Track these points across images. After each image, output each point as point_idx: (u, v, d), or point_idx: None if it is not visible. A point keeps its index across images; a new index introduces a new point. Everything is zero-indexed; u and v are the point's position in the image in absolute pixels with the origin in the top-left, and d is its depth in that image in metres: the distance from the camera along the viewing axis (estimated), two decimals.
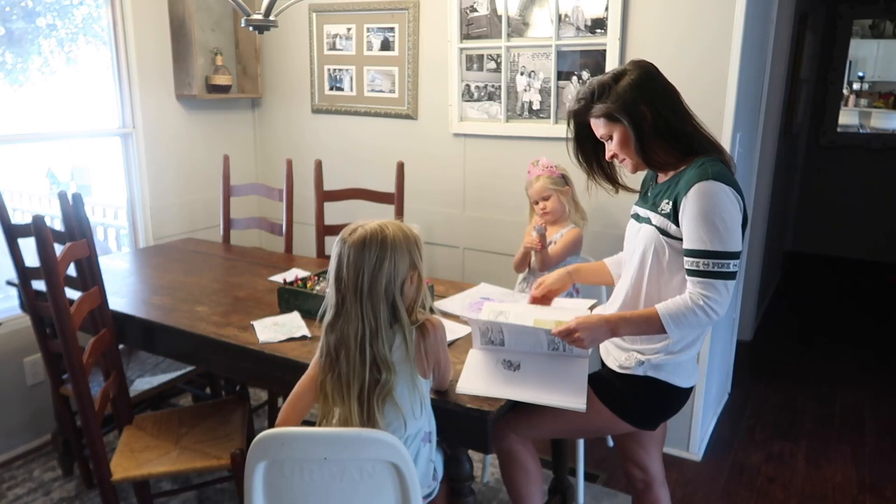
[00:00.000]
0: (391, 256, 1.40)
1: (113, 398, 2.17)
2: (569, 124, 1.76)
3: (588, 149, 1.77)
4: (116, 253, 3.37)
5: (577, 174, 2.06)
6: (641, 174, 1.77)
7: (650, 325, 1.58)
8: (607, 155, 1.70)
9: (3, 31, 2.81)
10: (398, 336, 1.46)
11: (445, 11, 2.97)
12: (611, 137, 1.66)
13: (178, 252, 2.98)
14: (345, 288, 1.42)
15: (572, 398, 1.62)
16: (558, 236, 2.50)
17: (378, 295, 1.41)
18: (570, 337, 1.60)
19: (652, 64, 1.65)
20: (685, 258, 1.55)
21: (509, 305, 1.90)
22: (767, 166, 3.86)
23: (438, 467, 1.69)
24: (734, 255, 1.52)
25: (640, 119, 1.59)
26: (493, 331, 1.76)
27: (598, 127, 1.67)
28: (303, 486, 1.43)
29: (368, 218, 1.49)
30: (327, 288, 1.48)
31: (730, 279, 1.52)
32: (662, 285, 1.64)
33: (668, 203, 1.60)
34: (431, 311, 1.58)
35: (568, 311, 1.81)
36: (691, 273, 1.54)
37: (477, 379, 1.69)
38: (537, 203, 2.52)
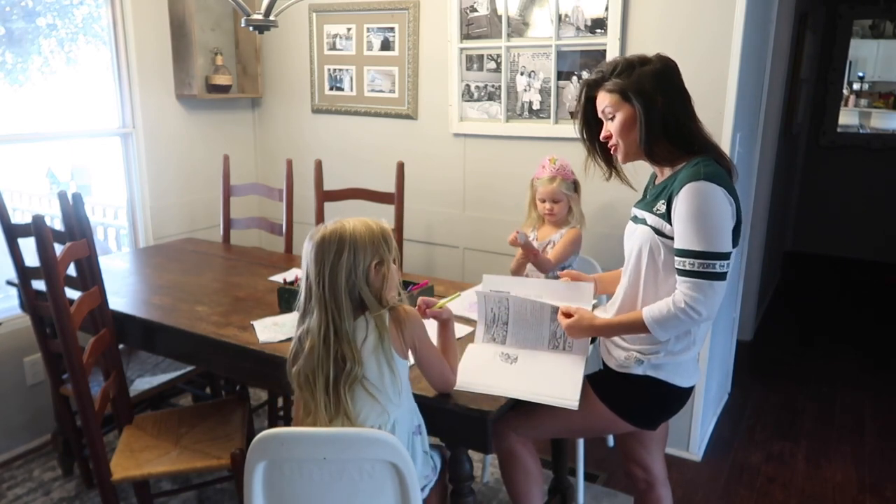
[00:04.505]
0: (349, 249, 1.44)
1: (113, 398, 2.17)
2: (580, 97, 1.73)
3: (593, 126, 1.75)
4: (116, 253, 3.37)
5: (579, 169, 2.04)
6: (640, 170, 1.77)
7: (635, 328, 1.61)
8: (602, 134, 1.69)
9: (3, 31, 2.81)
10: (369, 325, 1.47)
11: (445, 11, 2.97)
12: (613, 116, 1.65)
13: (178, 252, 2.98)
14: (309, 284, 1.48)
15: (565, 395, 1.64)
16: (557, 237, 2.49)
17: (338, 288, 1.44)
18: (566, 319, 1.68)
19: (675, 63, 1.64)
20: (675, 257, 1.56)
21: (512, 285, 1.89)
22: (767, 166, 3.86)
23: (436, 458, 1.71)
24: (722, 256, 1.52)
25: (651, 107, 1.58)
26: (498, 324, 1.76)
27: (604, 101, 1.65)
28: (302, 486, 1.43)
29: (368, 218, 1.52)
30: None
31: (716, 280, 1.52)
32: (659, 284, 1.64)
33: (663, 203, 1.60)
34: (401, 296, 1.58)
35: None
36: (680, 272, 1.55)
37: (472, 372, 1.71)
38: (543, 202, 2.50)
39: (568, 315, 1.70)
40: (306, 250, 1.48)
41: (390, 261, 1.50)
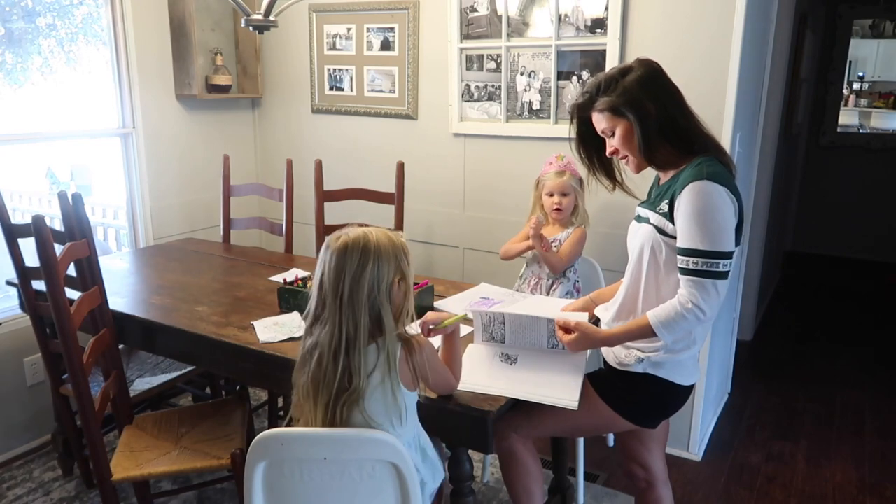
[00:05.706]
0: (374, 261, 1.37)
1: (113, 398, 2.17)
2: (572, 119, 1.76)
3: (590, 144, 1.77)
4: (116, 253, 3.38)
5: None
6: (645, 176, 1.77)
7: (643, 333, 1.61)
8: (608, 151, 1.70)
9: (3, 31, 2.81)
10: (380, 356, 1.40)
11: (445, 11, 2.97)
12: (612, 133, 1.66)
13: (178, 252, 2.98)
14: (325, 293, 1.40)
15: (565, 395, 1.64)
16: (564, 236, 2.49)
17: (359, 301, 1.36)
18: (565, 334, 1.64)
19: (657, 63, 1.65)
20: (678, 257, 1.56)
21: (504, 296, 1.90)
22: (767, 166, 3.86)
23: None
24: (725, 255, 1.52)
25: (644, 115, 1.59)
26: (495, 323, 1.77)
27: (601, 121, 1.67)
28: (303, 487, 1.43)
29: (369, 219, 1.50)
30: (311, 291, 1.46)
31: (720, 279, 1.53)
32: (660, 282, 1.65)
33: (666, 203, 1.61)
34: (413, 319, 1.51)
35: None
36: (683, 272, 1.55)
37: (473, 373, 1.71)
38: (551, 195, 2.48)
39: (567, 330, 1.66)
40: (324, 257, 1.40)
41: (410, 276, 1.44)
